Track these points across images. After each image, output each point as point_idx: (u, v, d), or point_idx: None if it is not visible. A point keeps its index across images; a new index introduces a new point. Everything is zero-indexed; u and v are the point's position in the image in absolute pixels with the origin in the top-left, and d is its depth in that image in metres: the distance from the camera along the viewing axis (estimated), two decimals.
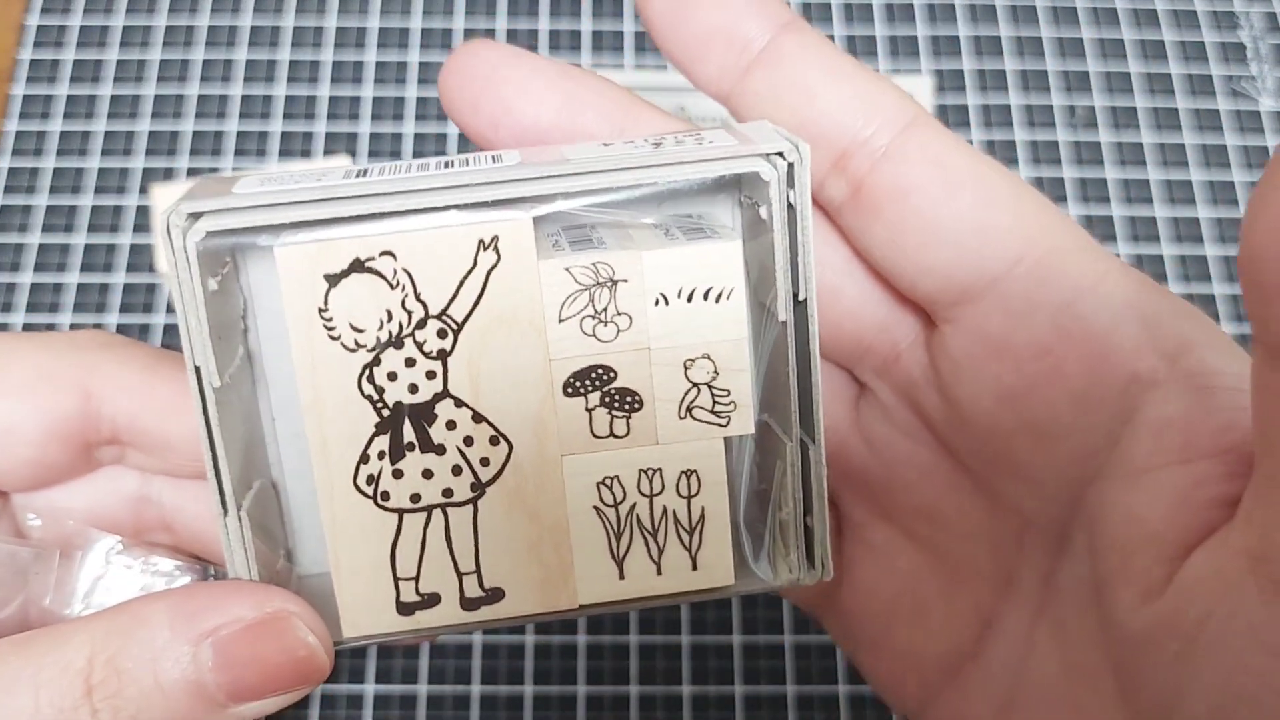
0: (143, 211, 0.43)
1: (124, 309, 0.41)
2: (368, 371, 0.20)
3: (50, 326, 0.41)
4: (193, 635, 0.19)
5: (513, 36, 0.46)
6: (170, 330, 0.41)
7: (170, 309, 0.41)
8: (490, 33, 0.46)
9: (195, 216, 0.19)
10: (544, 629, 0.37)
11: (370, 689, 0.37)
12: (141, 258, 0.42)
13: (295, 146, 0.44)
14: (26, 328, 0.41)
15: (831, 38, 0.45)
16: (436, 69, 0.45)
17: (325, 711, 0.36)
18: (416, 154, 0.43)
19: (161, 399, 0.23)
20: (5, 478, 0.23)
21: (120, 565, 0.24)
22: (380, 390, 0.20)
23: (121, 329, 0.41)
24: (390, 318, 0.19)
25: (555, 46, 0.45)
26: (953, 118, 0.44)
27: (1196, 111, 0.45)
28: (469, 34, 0.46)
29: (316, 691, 0.37)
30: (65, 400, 0.22)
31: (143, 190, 0.43)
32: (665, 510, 0.21)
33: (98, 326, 0.41)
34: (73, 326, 0.41)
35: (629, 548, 0.21)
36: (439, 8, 0.46)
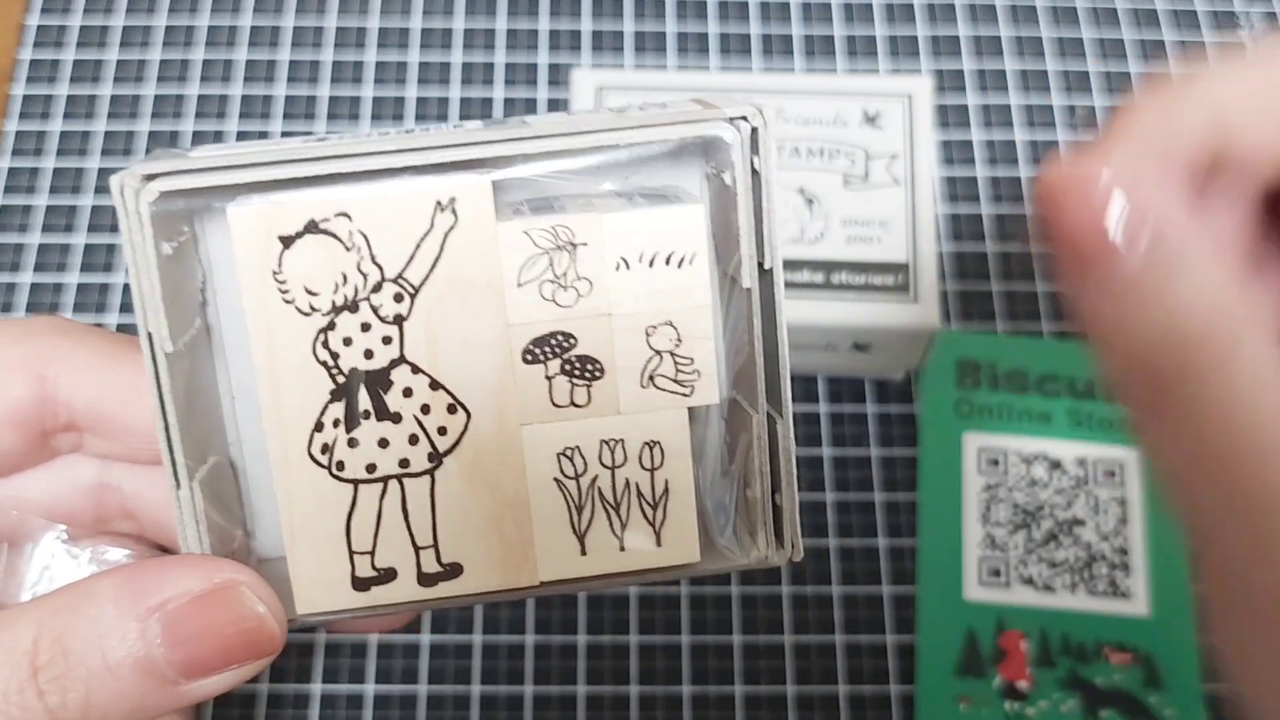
0: None
1: (124, 309, 0.41)
2: (322, 336, 0.19)
3: (29, 317, 0.41)
4: (140, 610, 0.18)
5: (512, 36, 0.46)
6: None
7: None
8: (490, 33, 0.46)
9: (150, 178, 0.18)
10: (544, 629, 0.37)
11: (370, 689, 0.37)
12: None
13: None
14: (3, 318, 0.41)
15: (831, 38, 0.45)
16: (436, 69, 0.45)
17: (325, 711, 0.36)
18: None
19: (120, 383, 0.22)
20: None
21: (67, 555, 0.23)
22: (335, 356, 0.19)
23: (121, 329, 0.41)
24: (345, 281, 0.19)
25: (555, 46, 0.45)
26: (953, 118, 0.44)
27: None
28: (469, 34, 0.46)
29: (316, 691, 0.37)
30: (19, 386, 0.22)
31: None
32: (628, 483, 0.20)
33: (98, 326, 0.41)
34: (50, 316, 0.41)
35: (590, 522, 0.20)
36: (439, 8, 0.46)
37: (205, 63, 0.45)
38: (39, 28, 0.45)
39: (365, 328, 0.19)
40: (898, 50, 0.45)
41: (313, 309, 0.19)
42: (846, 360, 0.38)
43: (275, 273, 0.19)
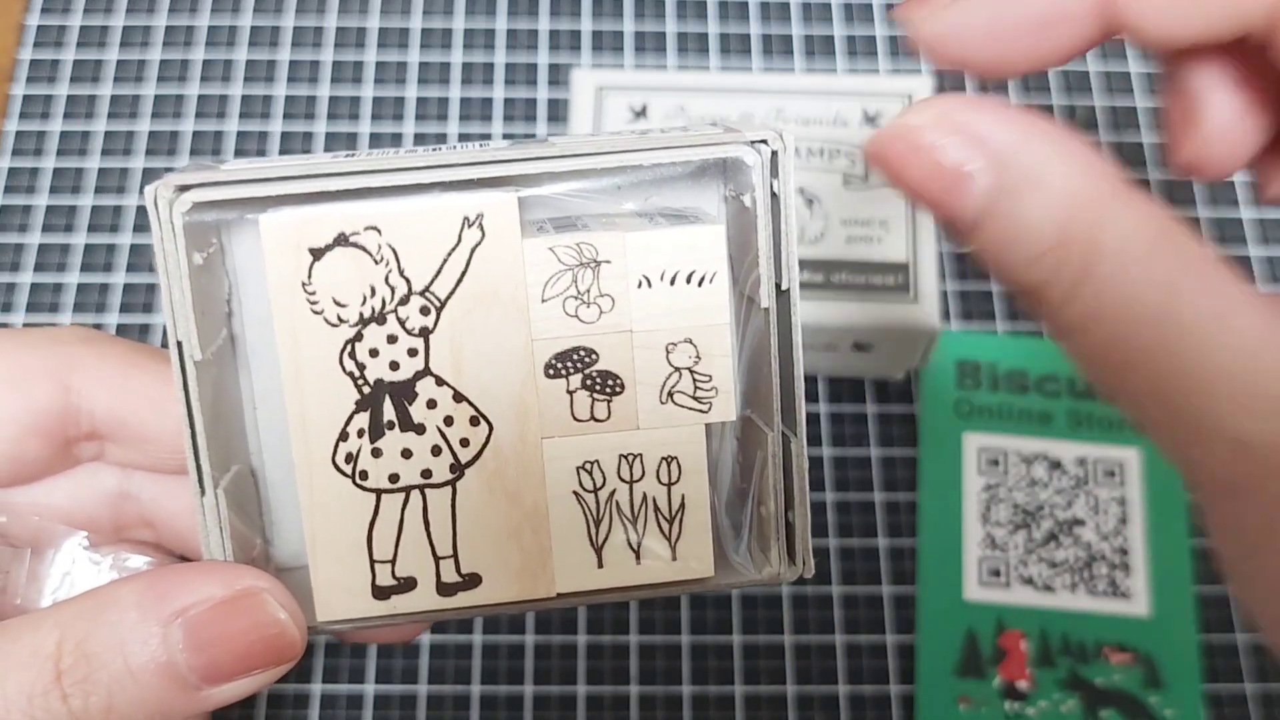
0: (142, 212, 0.43)
1: (124, 309, 0.41)
2: (349, 347, 0.20)
3: (50, 326, 0.41)
4: (162, 616, 0.19)
5: (512, 36, 0.46)
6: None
7: None
8: (490, 33, 0.46)
9: (182, 189, 0.19)
10: (544, 629, 0.37)
11: (370, 689, 0.37)
12: (141, 258, 0.42)
13: (295, 146, 0.44)
14: (26, 327, 0.41)
15: (831, 38, 0.45)
16: (436, 69, 0.45)
17: (325, 711, 0.36)
18: None
19: (142, 392, 0.22)
20: None
21: (88, 561, 0.23)
22: (361, 366, 0.20)
23: (121, 329, 0.41)
24: (373, 293, 0.19)
25: (555, 46, 0.45)
26: None
27: None
28: (469, 34, 0.46)
29: (316, 691, 0.37)
30: (43, 395, 0.22)
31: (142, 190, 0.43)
32: (645, 497, 0.21)
33: (97, 327, 0.41)
34: (77, 325, 0.41)
35: (608, 535, 0.21)
36: (439, 8, 0.46)
37: (205, 63, 0.45)
38: (39, 28, 0.45)
39: (392, 340, 0.20)
40: (898, 50, 0.45)
41: (340, 320, 0.19)
42: (846, 360, 0.38)
43: (305, 284, 0.19)
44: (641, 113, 0.38)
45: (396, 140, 0.44)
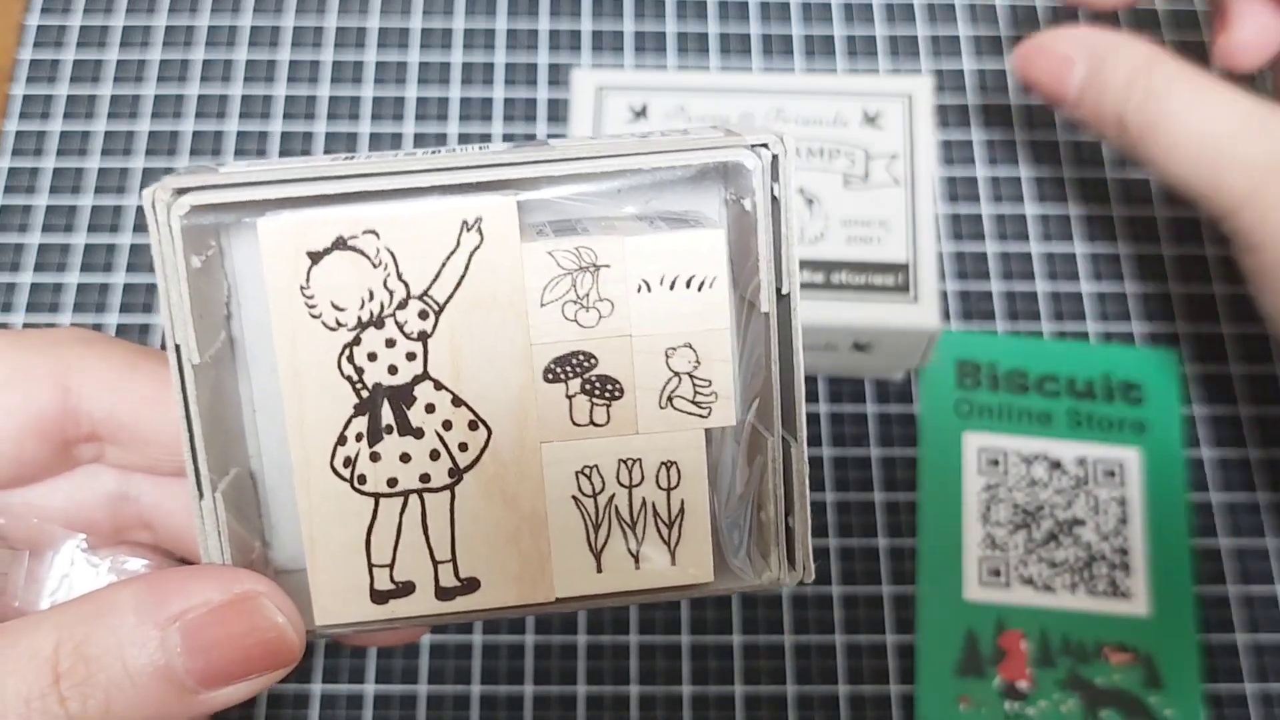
0: (143, 212, 0.43)
1: (124, 309, 0.41)
2: (348, 351, 0.20)
3: (49, 326, 0.40)
4: (160, 619, 0.19)
5: (512, 36, 0.46)
6: None
7: None
8: (490, 33, 0.46)
9: (180, 192, 0.19)
10: (544, 629, 0.37)
11: (370, 689, 0.37)
12: (141, 258, 0.42)
13: (295, 146, 0.44)
14: (26, 327, 0.41)
15: (831, 38, 0.45)
16: (436, 69, 0.45)
17: (325, 711, 0.36)
18: None
19: (141, 393, 0.22)
20: None
21: (86, 564, 0.23)
22: (360, 370, 0.20)
23: (121, 329, 0.41)
24: (372, 297, 0.19)
25: (555, 46, 0.45)
26: (952, 118, 0.44)
27: None
28: (469, 34, 0.46)
29: (316, 691, 0.37)
30: (42, 396, 0.22)
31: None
32: (644, 502, 0.21)
33: (97, 327, 0.41)
34: (73, 326, 0.41)
35: (607, 540, 0.21)
36: (439, 8, 0.46)
37: (205, 63, 0.45)
38: (39, 28, 0.45)
39: (390, 343, 0.20)
40: (898, 50, 0.45)
41: (339, 324, 0.19)
42: (846, 360, 0.38)
43: (303, 287, 0.19)
44: (641, 113, 0.38)
45: (396, 140, 0.44)
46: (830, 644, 0.37)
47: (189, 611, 0.19)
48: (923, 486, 0.39)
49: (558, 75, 0.45)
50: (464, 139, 0.43)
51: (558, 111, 0.44)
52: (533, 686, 0.37)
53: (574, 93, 0.38)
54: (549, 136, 0.43)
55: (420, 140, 0.44)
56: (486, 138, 0.44)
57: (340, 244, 0.19)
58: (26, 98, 0.44)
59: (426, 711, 0.36)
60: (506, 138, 0.43)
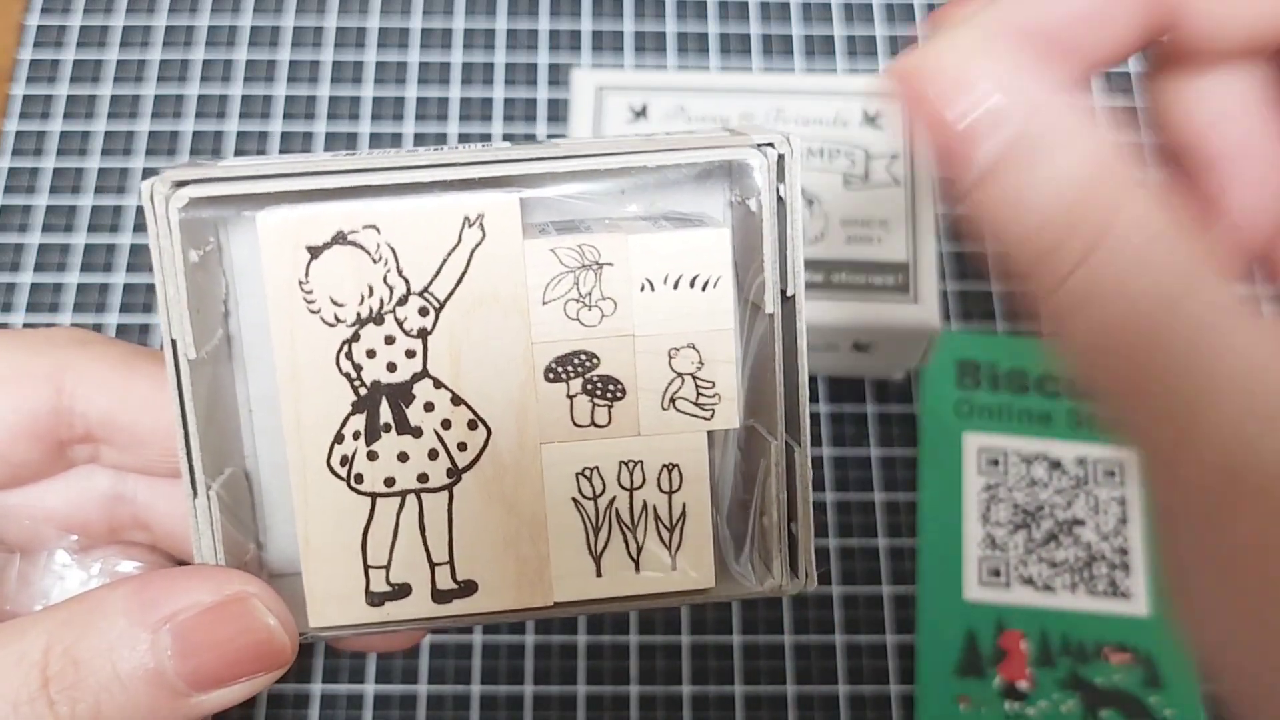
0: (143, 212, 0.43)
1: (124, 309, 0.41)
2: (346, 347, 0.19)
3: (48, 327, 0.40)
4: (150, 621, 0.18)
5: (512, 36, 0.46)
6: None
7: None
8: (490, 33, 0.46)
9: (179, 185, 0.18)
10: (544, 629, 0.37)
11: (370, 689, 0.37)
12: (141, 258, 0.42)
13: (295, 146, 0.44)
14: (26, 328, 0.41)
15: (831, 38, 0.45)
16: (436, 69, 0.45)
17: (325, 711, 0.36)
18: None
19: (137, 394, 0.22)
20: None
21: (78, 566, 0.23)
22: (358, 368, 0.19)
23: (121, 329, 0.41)
24: (371, 293, 0.19)
25: (555, 46, 0.45)
26: None
27: None
28: (469, 34, 0.46)
29: (316, 691, 0.37)
30: (36, 397, 0.22)
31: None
32: (645, 505, 0.20)
33: (97, 327, 0.41)
34: (73, 326, 0.41)
35: (607, 543, 0.20)
36: (439, 8, 0.46)
37: (205, 63, 0.45)
38: (39, 28, 0.45)
39: (389, 340, 0.19)
40: (897, 50, 0.45)
41: (338, 320, 0.19)
42: (846, 360, 0.38)
43: (301, 282, 0.19)
44: (641, 113, 0.38)
45: (396, 140, 0.44)
46: (830, 644, 0.37)
47: (180, 613, 0.18)
48: (923, 486, 0.39)
49: (558, 75, 0.45)
50: (464, 139, 0.43)
51: (558, 111, 0.44)
52: (533, 686, 0.37)
53: (574, 93, 0.38)
54: (549, 136, 0.43)
55: (420, 140, 0.44)
56: (486, 138, 0.44)
57: (340, 238, 0.19)
58: (26, 98, 0.44)
59: (426, 711, 0.36)
60: (506, 138, 0.43)
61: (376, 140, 0.44)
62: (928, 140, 0.17)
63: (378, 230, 0.19)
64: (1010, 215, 0.17)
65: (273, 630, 0.19)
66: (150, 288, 0.42)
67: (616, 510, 0.20)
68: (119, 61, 0.45)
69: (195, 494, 0.19)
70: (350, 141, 0.44)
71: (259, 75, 0.45)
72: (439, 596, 0.20)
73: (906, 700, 0.37)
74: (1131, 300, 0.16)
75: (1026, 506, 0.38)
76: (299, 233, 0.19)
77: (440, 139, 0.44)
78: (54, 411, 0.22)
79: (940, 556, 0.38)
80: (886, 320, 0.36)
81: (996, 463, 0.39)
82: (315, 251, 0.19)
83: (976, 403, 0.39)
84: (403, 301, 0.19)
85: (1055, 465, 0.39)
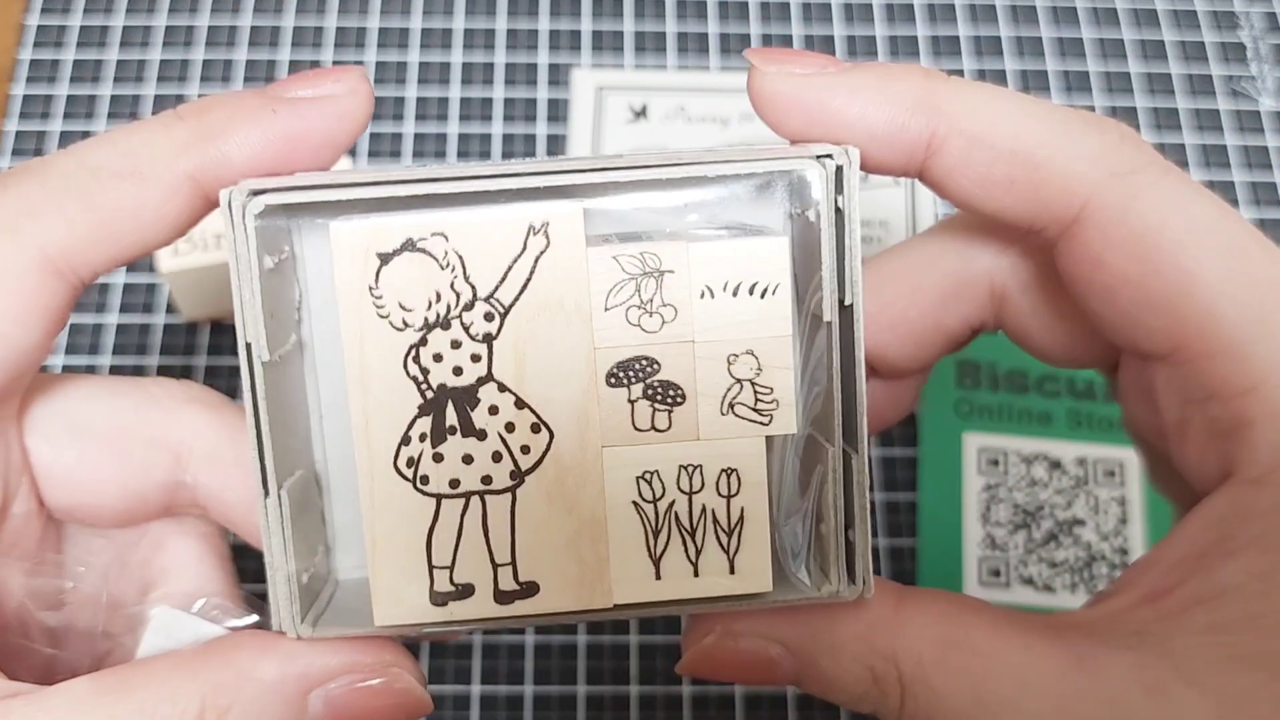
0: None
1: (124, 309, 0.41)
2: (414, 352, 0.20)
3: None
4: (303, 692, 0.20)
5: (512, 36, 0.46)
6: (169, 330, 0.41)
7: (170, 309, 0.41)
8: (490, 33, 0.46)
9: (256, 193, 0.19)
10: (543, 629, 0.37)
11: None
12: (141, 258, 0.42)
13: None
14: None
15: (831, 38, 0.45)
16: (436, 69, 0.45)
17: None
18: (416, 154, 0.43)
19: (244, 467, 0.23)
20: (88, 519, 0.24)
21: (181, 617, 0.24)
22: (425, 371, 0.20)
23: (121, 329, 0.41)
24: (439, 298, 0.20)
25: (555, 46, 0.45)
26: None
27: (1196, 111, 0.45)
28: (469, 34, 0.46)
29: None
30: (160, 466, 0.23)
31: None
32: (704, 509, 0.21)
33: (98, 327, 0.41)
34: (73, 327, 0.41)
35: (666, 546, 0.21)
36: (439, 8, 0.46)
37: (205, 63, 0.45)
38: (39, 28, 0.45)
39: (455, 345, 0.20)
40: (898, 50, 0.45)
41: (406, 324, 0.20)
42: None
43: (371, 288, 0.19)
44: (641, 113, 0.38)
45: (396, 140, 0.44)
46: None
47: (332, 688, 0.20)
48: (923, 486, 0.39)
49: (558, 75, 0.45)
50: (464, 139, 0.43)
51: (558, 111, 0.44)
52: (533, 686, 0.37)
53: (574, 93, 0.39)
54: (549, 136, 0.43)
55: (420, 140, 0.44)
56: (486, 138, 0.44)
57: (409, 246, 0.19)
58: (26, 98, 0.44)
59: None
60: (506, 138, 0.43)
61: (376, 140, 0.44)
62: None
63: (446, 238, 0.19)
64: (834, 700, 0.21)
65: (421, 696, 0.21)
66: (150, 288, 0.42)
67: (676, 514, 0.20)
68: (119, 61, 0.45)
69: (267, 493, 0.20)
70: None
71: (259, 76, 0.45)
72: (501, 597, 0.20)
73: None
74: (944, 711, 0.20)
75: (1026, 506, 0.38)
76: (370, 240, 0.19)
77: (440, 139, 0.44)
78: (172, 485, 0.23)
79: (940, 556, 0.38)
80: None
81: (996, 463, 0.39)
82: (385, 258, 0.19)
83: (976, 403, 0.39)
84: (469, 307, 0.20)
85: (1055, 465, 0.39)
